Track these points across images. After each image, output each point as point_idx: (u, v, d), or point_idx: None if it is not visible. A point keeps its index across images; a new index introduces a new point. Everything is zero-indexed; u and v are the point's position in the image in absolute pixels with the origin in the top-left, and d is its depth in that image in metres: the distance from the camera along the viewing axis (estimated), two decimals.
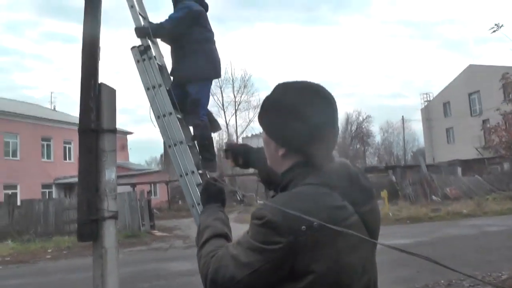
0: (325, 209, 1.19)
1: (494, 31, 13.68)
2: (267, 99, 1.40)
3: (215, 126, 4.06)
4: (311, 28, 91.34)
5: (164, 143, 2.88)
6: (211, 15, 4.31)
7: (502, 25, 13.58)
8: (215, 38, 4.27)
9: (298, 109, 1.29)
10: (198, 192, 2.60)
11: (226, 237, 1.50)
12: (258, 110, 1.42)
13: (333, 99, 1.36)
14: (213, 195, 1.74)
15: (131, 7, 3.22)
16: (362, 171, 1.44)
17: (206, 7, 4.22)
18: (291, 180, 1.32)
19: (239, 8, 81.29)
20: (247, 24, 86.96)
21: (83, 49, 2.70)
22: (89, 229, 2.48)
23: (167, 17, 3.87)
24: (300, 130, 1.28)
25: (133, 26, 3.23)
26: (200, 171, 2.81)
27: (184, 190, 2.68)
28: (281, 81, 1.42)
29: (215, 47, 4.20)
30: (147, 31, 3.24)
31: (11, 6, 72.70)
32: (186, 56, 3.85)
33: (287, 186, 1.33)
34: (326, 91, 1.36)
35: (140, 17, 3.27)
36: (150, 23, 3.47)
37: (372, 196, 1.40)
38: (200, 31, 4.03)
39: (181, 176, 2.69)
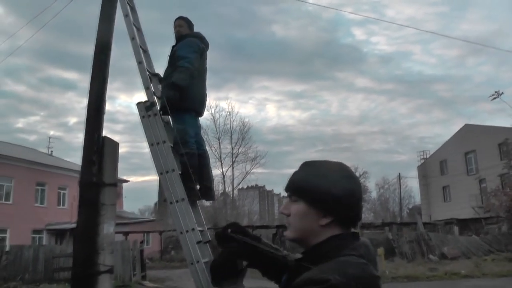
0: (371, 277, 1.27)
1: (494, 98, 13.99)
2: (311, 171, 1.43)
3: (211, 195, 4.08)
4: (306, 81, 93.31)
5: (165, 198, 2.84)
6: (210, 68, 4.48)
7: (502, 93, 13.89)
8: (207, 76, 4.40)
9: (344, 182, 1.37)
10: (198, 250, 2.54)
11: None
12: (300, 183, 1.41)
13: None
14: (224, 272, 1.51)
15: (139, 63, 3.28)
16: None
17: (207, 45, 4.40)
18: (329, 250, 1.33)
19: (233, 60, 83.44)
20: (242, 76, 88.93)
21: (88, 103, 2.70)
22: (84, 285, 2.41)
23: (178, 54, 3.98)
24: (348, 201, 1.36)
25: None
26: (200, 228, 2.76)
27: (183, 247, 2.62)
28: (309, 160, 1.49)
29: (204, 84, 4.29)
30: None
31: (10, 51, 73.95)
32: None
33: (324, 256, 1.31)
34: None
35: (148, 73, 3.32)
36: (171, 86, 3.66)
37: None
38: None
39: (181, 233, 2.64)
